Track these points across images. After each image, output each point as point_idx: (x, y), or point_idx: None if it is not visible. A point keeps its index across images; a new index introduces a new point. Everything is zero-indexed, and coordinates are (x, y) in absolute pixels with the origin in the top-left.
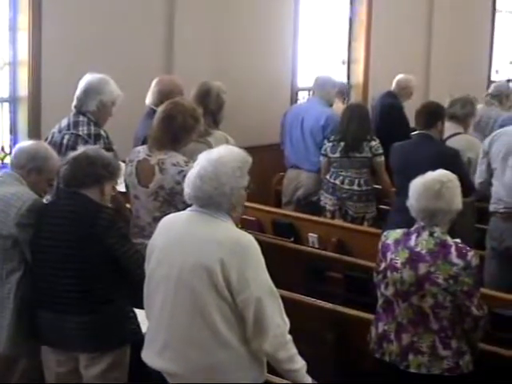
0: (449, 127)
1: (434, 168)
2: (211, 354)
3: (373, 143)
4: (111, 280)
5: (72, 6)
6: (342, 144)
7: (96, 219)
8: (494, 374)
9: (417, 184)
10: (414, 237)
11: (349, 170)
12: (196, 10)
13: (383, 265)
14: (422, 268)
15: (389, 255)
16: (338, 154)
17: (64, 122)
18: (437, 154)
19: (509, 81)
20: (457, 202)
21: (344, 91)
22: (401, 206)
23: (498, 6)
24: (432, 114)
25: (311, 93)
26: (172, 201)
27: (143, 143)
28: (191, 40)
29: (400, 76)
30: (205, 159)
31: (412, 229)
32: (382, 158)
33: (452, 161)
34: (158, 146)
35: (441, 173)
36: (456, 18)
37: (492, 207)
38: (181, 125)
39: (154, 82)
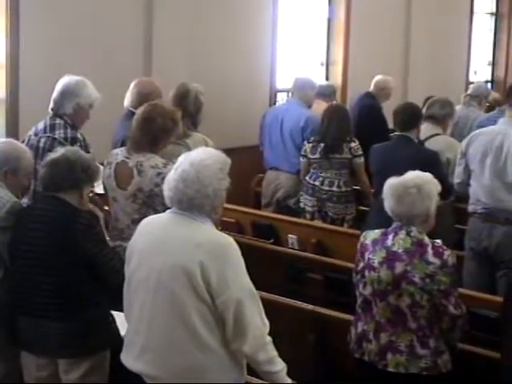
0: (427, 128)
1: (412, 170)
2: (191, 357)
3: (352, 144)
4: (89, 284)
5: (50, 8)
6: (322, 145)
7: (73, 223)
8: (472, 374)
9: (386, 186)
10: (391, 236)
11: (328, 171)
12: (174, 12)
13: (361, 264)
14: (399, 267)
15: (367, 255)
16: (317, 155)
17: (40, 125)
18: (416, 155)
19: (487, 82)
20: (421, 206)
21: (330, 93)
22: (379, 207)
23: (475, 8)
24: (411, 115)
25: (290, 94)
26: (151, 203)
27: (121, 145)
28: (169, 42)
29: (378, 77)
30: (186, 162)
31: (389, 229)
32: (362, 160)
33: (431, 162)
34: (136, 148)
35: (411, 175)
36: (434, 19)
37: (470, 208)
38: (160, 127)
39: (132, 84)
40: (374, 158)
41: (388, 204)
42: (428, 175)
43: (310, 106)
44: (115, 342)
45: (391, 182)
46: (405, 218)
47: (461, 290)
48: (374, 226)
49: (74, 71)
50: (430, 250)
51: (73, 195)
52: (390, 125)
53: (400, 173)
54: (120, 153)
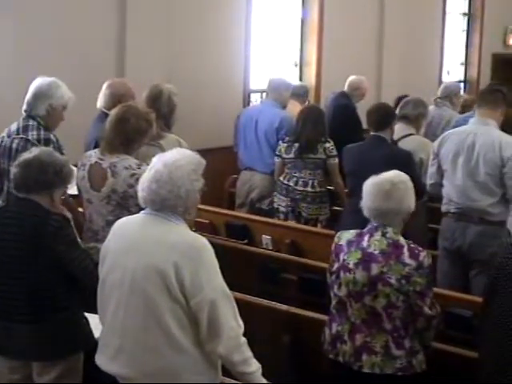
0: (401, 128)
1: (386, 170)
2: (165, 358)
3: (327, 145)
4: (62, 287)
5: (23, 8)
6: (297, 145)
7: (44, 226)
8: (447, 373)
9: (369, 184)
10: (366, 237)
11: (303, 171)
12: (147, 12)
13: (336, 265)
14: (375, 268)
15: (341, 256)
16: (292, 155)
17: (14, 127)
18: (389, 155)
19: (460, 82)
20: (407, 202)
21: (304, 93)
22: (353, 208)
23: (448, 8)
24: (384, 116)
25: (265, 95)
26: (125, 204)
27: (94, 147)
28: (142, 43)
29: (352, 77)
30: (159, 163)
31: (365, 230)
32: (336, 160)
33: (404, 162)
34: (110, 149)
35: (393, 173)
36: (407, 19)
37: (443, 208)
38: (133, 128)
39: (104, 85)
40: (347, 158)
41: (371, 203)
42: (403, 174)
43: (284, 107)
44: (89, 344)
45: (374, 181)
46: (391, 215)
47: (436, 289)
48: (347, 227)
49: (47, 72)
50: (405, 251)
51: (44, 197)
52: (365, 125)
53: (374, 173)
54: (94, 154)
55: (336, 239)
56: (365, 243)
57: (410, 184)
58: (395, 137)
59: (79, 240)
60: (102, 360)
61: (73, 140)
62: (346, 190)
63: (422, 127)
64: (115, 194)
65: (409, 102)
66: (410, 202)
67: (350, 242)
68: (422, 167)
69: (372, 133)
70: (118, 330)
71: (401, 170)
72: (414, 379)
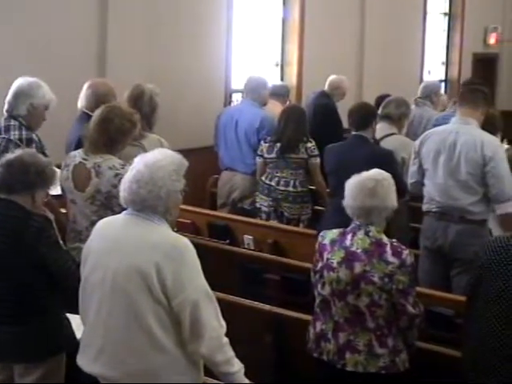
0: (383, 127)
1: (368, 169)
2: (147, 359)
3: (309, 144)
4: (44, 288)
5: (2, 8)
6: (278, 145)
7: (26, 227)
8: (429, 372)
9: (351, 183)
10: (349, 236)
11: (284, 171)
12: (129, 12)
13: (320, 264)
14: (358, 267)
15: (325, 255)
16: (273, 155)
17: None
18: (371, 154)
19: (441, 81)
20: (391, 199)
21: (285, 93)
22: (335, 207)
23: (428, 8)
24: (366, 115)
25: (244, 95)
26: (109, 204)
27: (76, 147)
28: (123, 42)
29: (332, 76)
30: (141, 163)
31: (348, 228)
32: (318, 160)
33: (386, 161)
34: (93, 149)
35: (375, 171)
36: (388, 19)
37: (425, 207)
38: (117, 128)
39: (85, 85)
40: (329, 157)
41: (354, 201)
42: (385, 172)
43: (264, 105)
44: (71, 346)
45: (357, 179)
46: (375, 212)
47: (418, 288)
48: (330, 226)
49: (27, 73)
50: (388, 249)
51: (26, 198)
52: (345, 124)
53: (356, 172)
54: (78, 154)
55: (320, 238)
56: (348, 242)
57: (392, 181)
58: (377, 136)
59: (61, 241)
60: (84, 361)
61: (54, 140)
62: (328, 190)
63: (404, 127)
64: (99, 194)
65: (391, 101)
66: (393, 199)
67: (333, 241)
68: (404, 166)
69: (353, 132)
70: (100, 330)
71: (383, 169)
72: (397, 378)
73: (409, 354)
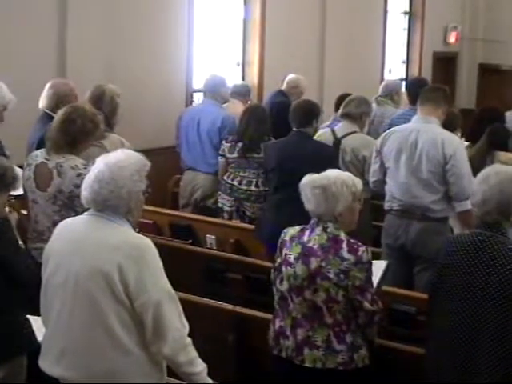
0: (344, 126)
1: (312, 165)
2: (110, 360)
3: None
4: (3, 290)
5: None
6: (240, 145)
7: None
8: (391, 369)
9: (305, 182)
10: (307, 232)
11: (246, 170)
12: (88, 12)
13: (279, 260)
14: (314, 262)
15: (284, 251)
16: (235, 155)
17: None
18: (314, 151)
19: (401, 80)
20: (344, 197)
21: (246, 93)
22: (276, 204)
23: (389, 7)
24: (307, 112)
25: (203, 94)
26: (71, 204)
27: (37, 148)
28: (84, 42)
29: (290, 76)
30: (102, 163)
31: (308, 225)
32: None
33: (330, 158)
34: (55, 149)
35: (336, 171)
36: (349, 18)
37: (387, 205)
38: (79, 128)
39: (47, 86)
40: (270, 154)
41: (308, 204)
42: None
43: (225, 102)
44: (32, 348)
45: (311, 183)
46: (330, 213)
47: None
48: (269, 223)
49: None
50: (344, 246)
51: None
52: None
53: (298, 169)
54: (40, 154)
55: (282, 235)
56: (305, 238)
57: (344, 178)
58: (339, 134)
59: (21, 241)
60: (46, 363)
61: (15, 141)
62: (266, 189)
63: (365, 125)
64: (61, 194)
65: (352, 100)
66: (346, 197)
67: (292, 238)
68: (365, 165)
69: (294, 129)
70: (62, 332)
71: (326, 165)
72: (356, 374)
73: (369, 351)
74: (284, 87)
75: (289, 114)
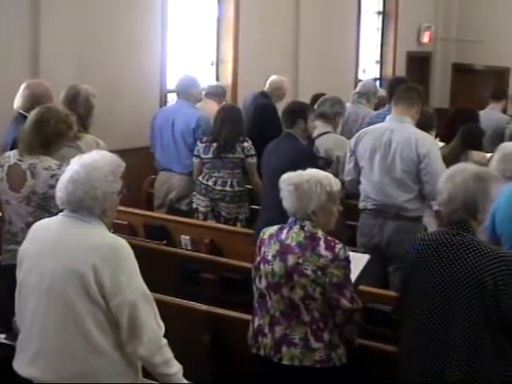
0: (318, 126)
1: (292, 166)
2: (85, 361)
3: (245, 144)
4: None
5: None
6: (215, 145)
7: None
8: (367, 367)
9: (282, 180)
10: (285, 231)
11: (221, 170)
12: (61, 12)
13: (258, 259)
14: (291, 259)
15: (263, 249)
16: (210, 155)
17: None
18: (295, 151)
19: (375, 79)
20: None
21: (220, 93)
22: (265, 206)
23: (363, 7)
24: (293, 112)
25: (176, 95)
26: (46, 206)
27: (11, 148)
28: (57, 42)
29: (273, 77)
30: (77, 163)
31: (286, 224)
32: (255, 160)
33: (309, 158)
34: (29, 150)
35: (314, 170)
36: (323, 18)
37: (361, 204)
38: (53, 130)
39: (22, 86)
40: (262, 155)
41: (286, 202)
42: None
43: (198, 101)
44: (5, 349)
45: (286, 181)
46: (302, 211)
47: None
48: (261, 225)
49: None
50: (322, 243)
51: None
52: None
53: (277, 170)
54: (12, 155)
55: (261, 234)
56: (283, 236)
57: (319, 178)
58: (313, 135)
59: None
60: (20, 364)
61: None
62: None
63: (339, 125)
64: (35, 195)
65: (326, 100)
66: (319, 195)
67: (271, 236)
68: (339, 164)
69: (284, 130)
70: (37, 333)
71: (307, 166)
72: (333, 372)
73: (347, 350)
74: (266, 88)
75: (273, 116)
